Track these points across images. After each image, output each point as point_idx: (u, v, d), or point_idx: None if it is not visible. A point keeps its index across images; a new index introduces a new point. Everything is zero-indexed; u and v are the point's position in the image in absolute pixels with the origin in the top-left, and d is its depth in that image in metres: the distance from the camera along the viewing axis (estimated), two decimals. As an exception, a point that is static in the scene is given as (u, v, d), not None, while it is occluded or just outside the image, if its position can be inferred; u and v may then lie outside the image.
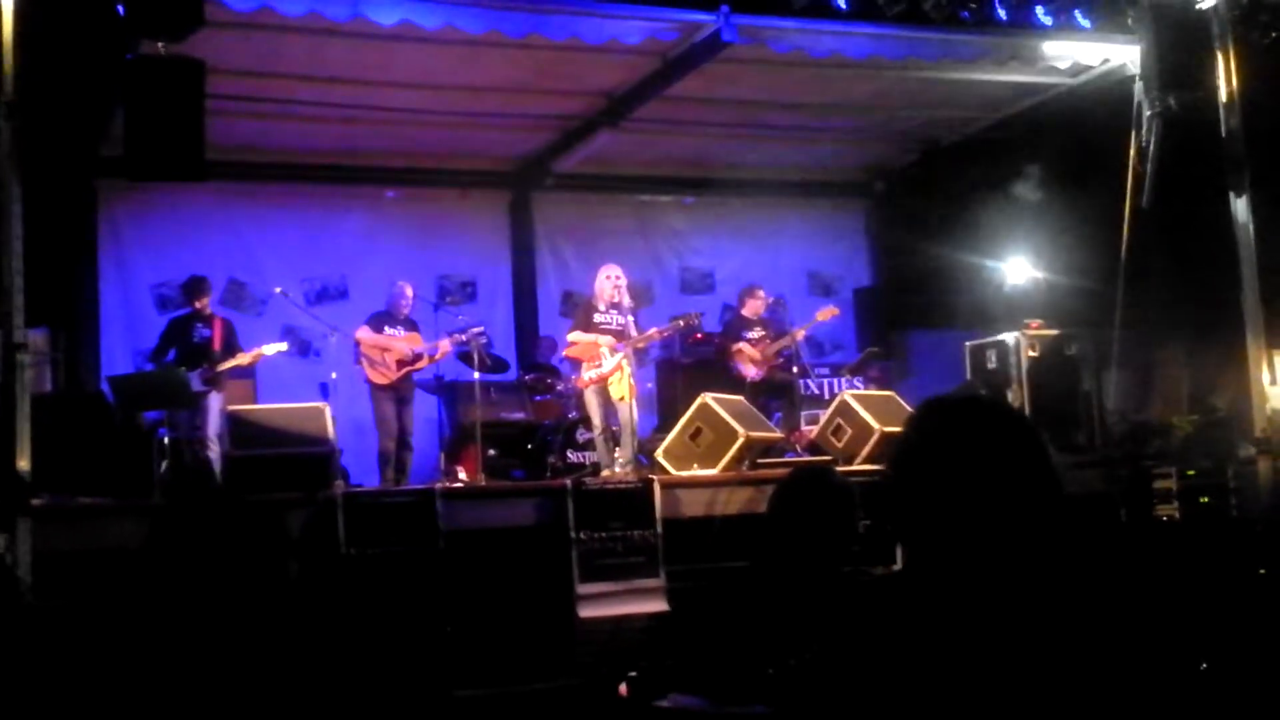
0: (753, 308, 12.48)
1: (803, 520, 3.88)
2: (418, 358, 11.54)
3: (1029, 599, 2.25)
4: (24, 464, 7.73)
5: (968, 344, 12.20)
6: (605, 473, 10.41)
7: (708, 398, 10.59)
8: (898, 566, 2.36)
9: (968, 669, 2.20)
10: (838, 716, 2.30)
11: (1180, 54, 10.37)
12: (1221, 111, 10.57)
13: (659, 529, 9.33)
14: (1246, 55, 10.51)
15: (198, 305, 11.30)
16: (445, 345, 11.58)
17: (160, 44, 8.40)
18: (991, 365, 11.78)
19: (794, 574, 3.82)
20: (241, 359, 11.15)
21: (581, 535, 9.17)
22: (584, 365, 10.91)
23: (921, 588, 2.31)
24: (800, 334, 12.33)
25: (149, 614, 2.80)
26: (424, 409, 12.00)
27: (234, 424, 9.60)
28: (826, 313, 12.54)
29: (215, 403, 10.86)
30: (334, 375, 11.39)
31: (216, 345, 11.14)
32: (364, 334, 11.57)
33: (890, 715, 2.23)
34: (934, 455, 2.37)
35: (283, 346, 11.58)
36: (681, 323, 11.32)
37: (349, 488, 9.99)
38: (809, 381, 13.00)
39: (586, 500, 9.30)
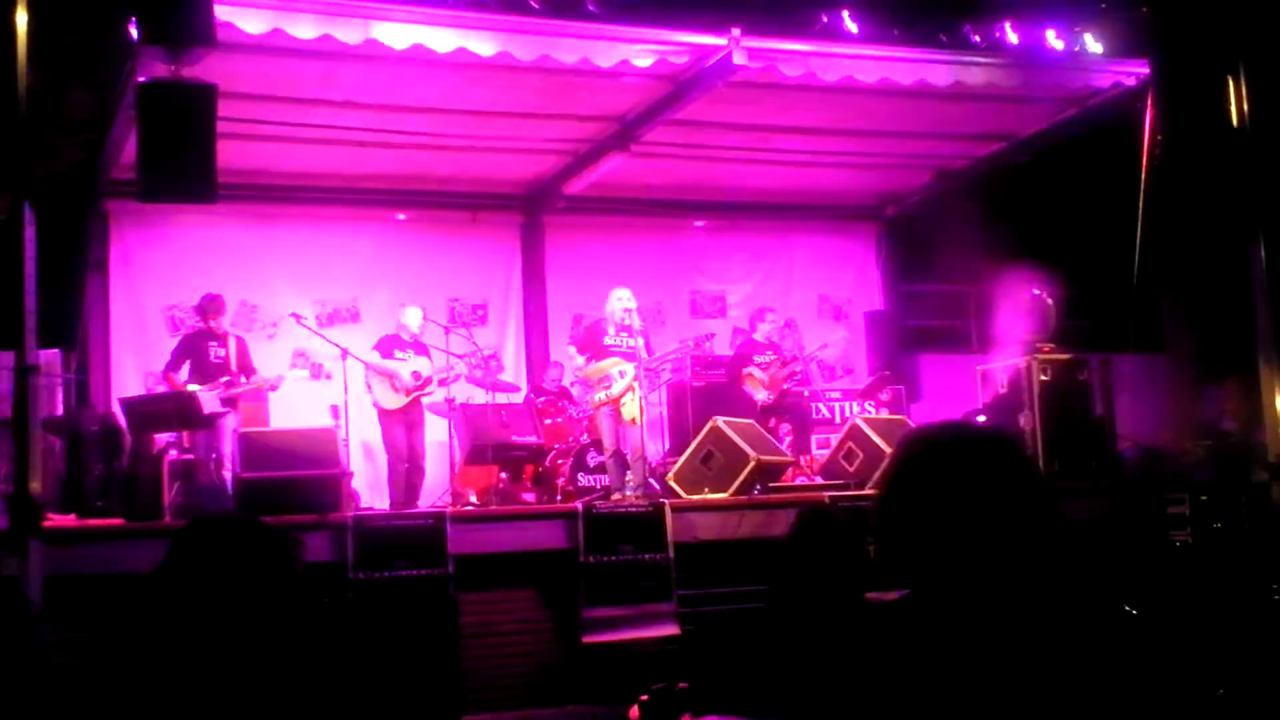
0: (764, 331, 12.46)
1: (814, 561, 3.86)
2: (428, 381, 11.53)
3: (1027, 623, 2.24)
4: (35, 486, 7.74)
5: (979, 368, 12.18)
6: (616, 496, 10.39)
7: (719, 421, 10.57)
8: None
9: (969, 691, 2.19)
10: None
11: (1192, 78, 10.39)
12: (1234, 135, 10.56)
13: (670, 553, 9.31)
14: (1258, 78, 10.51)
15: (211, 324, 11.26)
16: (462, 368, 11.55)
17: (173, 67, 8.43)
18: (1003, 389, 11.74)
19: (809, 605, 3.81)
20: (262, 382, 11.14)
21: (591, 559, 9.14)
22: (595, 388, 10.88)
23: (923, 612, 2.30)
24: (804, 363, 12.27)
25: (161, 636, 2.79)
26: (434, 432, 11.99)
27: (245, 445, 9.58)
28: (835, 339, 12.52)
29: (232, 424, 10.80)
30: (345, 398, 11.39)
31: (233, 365, 11.13)
32: (373, 357, 11.56)
33: None
34: (918, 484, 2.36)
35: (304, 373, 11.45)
36: (691, 342, 11.32)
37: (359, 511, 9.97)
38: (819, 405, 12.97)
39: (597, 524, 9.27)
